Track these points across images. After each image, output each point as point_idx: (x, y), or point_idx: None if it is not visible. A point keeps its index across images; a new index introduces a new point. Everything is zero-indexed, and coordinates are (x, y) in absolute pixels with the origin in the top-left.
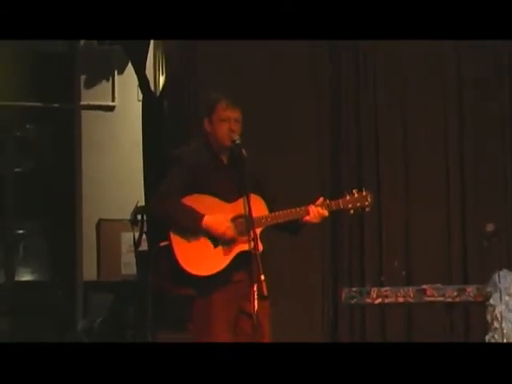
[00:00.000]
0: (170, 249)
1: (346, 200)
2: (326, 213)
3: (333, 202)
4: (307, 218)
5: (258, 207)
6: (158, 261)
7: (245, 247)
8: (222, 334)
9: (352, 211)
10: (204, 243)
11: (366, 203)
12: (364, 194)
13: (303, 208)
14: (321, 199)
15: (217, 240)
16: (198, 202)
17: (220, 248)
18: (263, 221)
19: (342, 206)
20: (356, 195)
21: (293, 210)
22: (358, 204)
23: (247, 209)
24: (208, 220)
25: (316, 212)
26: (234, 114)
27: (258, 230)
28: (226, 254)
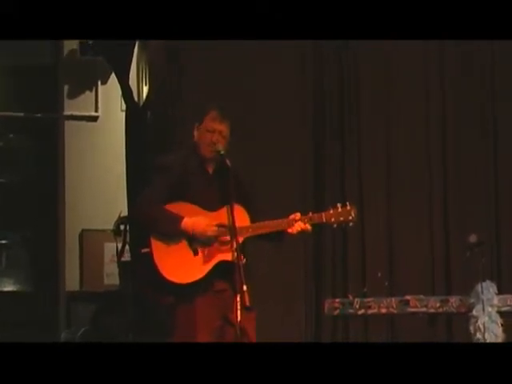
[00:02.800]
0: (150, 255)
1: (330, 214)
2: (308, 227)
3: (315, 215)
4: (289, 230)
5: (241, 217)
6: (139, 267)
7: (225, 256)
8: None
9: (335, 225)
10: (184, 251)
11: (350, 218)
12: (348, 208)
13: (285, 220)
14: (298, 214)
15: (197, 243)
16: (180, 209)
17: (200, 256)
18: (245, 231)
19: (324, 220)
20: (340, 209)
21: (275, 221)
22: (342, 218)
23: (230, 218)
24: (187, 221)
25: (298, 226)
26: (221, 127)
27: (240, 240)
28: (205, 262)
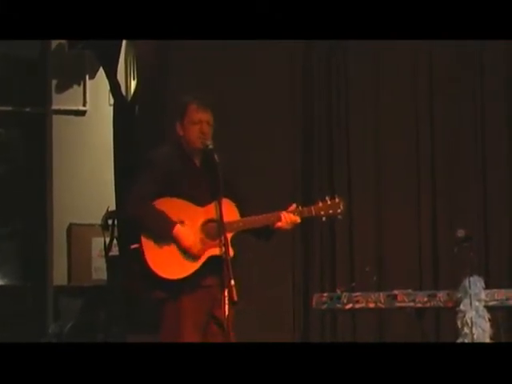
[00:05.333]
0: (140, 251)
1: (319, 207)
2: (298, 219)
3: (305, 209)
4: (279, 224)
5: (230, 212)
6: (129, 263)
7: (215, 252)
8: (190, 338)
9: (324, 218)
10: (175, 247)
11: (339, 210)
12: (337, 201)
13: (275, 214)
14: (293, 206)
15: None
16: (170, 205)
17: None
18: (235, 226)
19: (314, 213)
20: (329, 202)
21: (265, 215)
22: (331, 211)
23: (219, 213)
24: (178, 231)
25: (288, 218)
26: (205, 117)
27: (230, 235)
28: (196, 258)
